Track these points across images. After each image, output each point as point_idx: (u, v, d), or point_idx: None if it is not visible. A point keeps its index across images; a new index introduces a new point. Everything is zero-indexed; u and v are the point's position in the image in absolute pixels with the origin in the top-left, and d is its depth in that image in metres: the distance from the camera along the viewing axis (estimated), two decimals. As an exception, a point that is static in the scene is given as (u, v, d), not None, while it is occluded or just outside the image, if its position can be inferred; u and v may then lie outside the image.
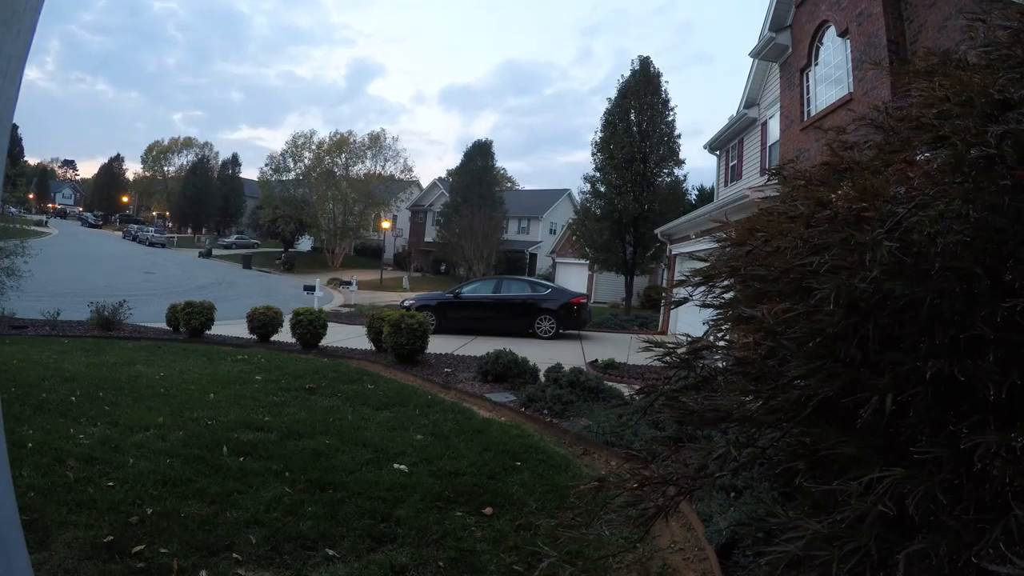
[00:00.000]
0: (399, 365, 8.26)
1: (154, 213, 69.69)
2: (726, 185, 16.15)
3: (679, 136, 20.97)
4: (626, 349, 10.93)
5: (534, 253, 39.18)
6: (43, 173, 77.17)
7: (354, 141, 43.87)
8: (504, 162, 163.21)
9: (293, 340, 9.67)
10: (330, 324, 10.52)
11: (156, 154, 67.13)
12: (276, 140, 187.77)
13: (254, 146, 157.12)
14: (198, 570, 2.68)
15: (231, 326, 11.37)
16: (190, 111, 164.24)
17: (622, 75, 21.84)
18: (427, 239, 44.63)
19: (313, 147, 43.78)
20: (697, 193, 29.07)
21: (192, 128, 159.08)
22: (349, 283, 23.94)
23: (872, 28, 7.68)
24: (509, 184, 59.26)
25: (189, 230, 59.47)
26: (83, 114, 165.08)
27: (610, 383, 6.98)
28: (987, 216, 1.45)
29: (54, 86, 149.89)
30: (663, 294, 14.49)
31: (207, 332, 10.31)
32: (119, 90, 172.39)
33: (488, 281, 15.95)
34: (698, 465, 1.95)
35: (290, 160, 44.27)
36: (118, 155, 76.66)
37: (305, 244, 47.40)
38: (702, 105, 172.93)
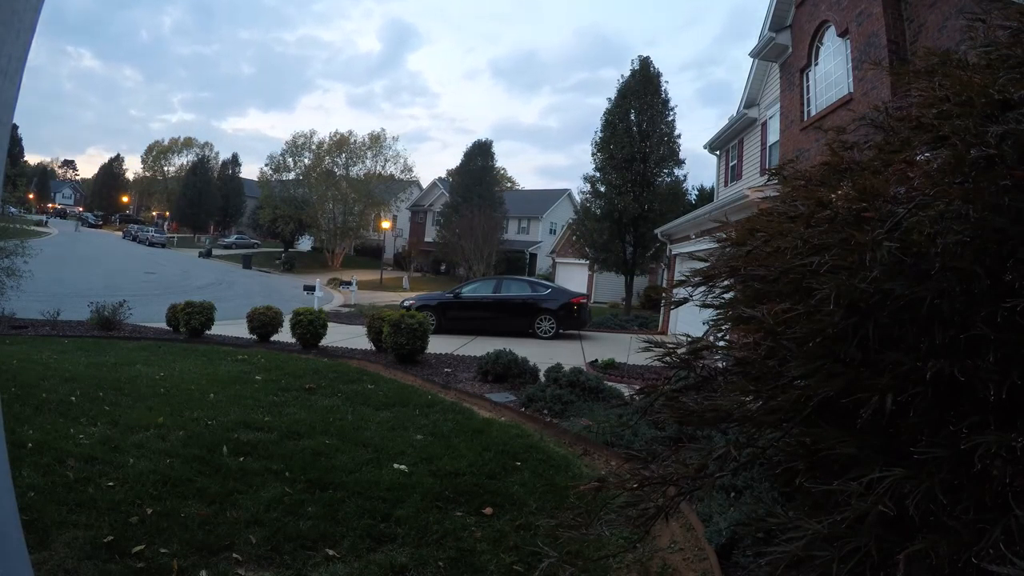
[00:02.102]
0: (399, 365, 8.26)
1: (154, 213, 69.69)
2: (726, 185, 16.15)
3: (679, 136, 21.02)
4: (626, 349, 10.92)
5: (534, 253, 39.16)
6: (43, 173, 77.15)
7: (354, 141, 43.92)
8: (542, 154, 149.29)
9: (293, 340, 9.67)
10: (330, 324, 10.52)
11: (156, 154, 67.27)
12: (290, 125, 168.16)
13: (263, 136, 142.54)
14: (198, 570, 2.68)
15: (231, 326, 11.37)
16: (191, 92, 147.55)
17: (622, 75, 21.88)
18: (427, 239, 44.61)
19: (313, 147, 43.83)
20: (697, 193, 29.09)
21: (193, 112, 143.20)
22: (349, 283, 23.92)
23: (872, 28, 7.68)
24: (509, 184, 59.31)
25: (190, 230, 59.45)
26: (71, 98, 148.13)
27: (610, 383, 6.98)
28: (987, 216, 1.45)
29: (36, 59, 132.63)
30: (663, 294, 14.50)
31: (207, 332, 10.31)
32: (109, 65, 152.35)
33: (488, 281, 15.95)
34: (698, 465, 1.95)
35: (290, 160, 44.31)
36: (118, 155, 76.92)
37: (305, 244, 47.39)
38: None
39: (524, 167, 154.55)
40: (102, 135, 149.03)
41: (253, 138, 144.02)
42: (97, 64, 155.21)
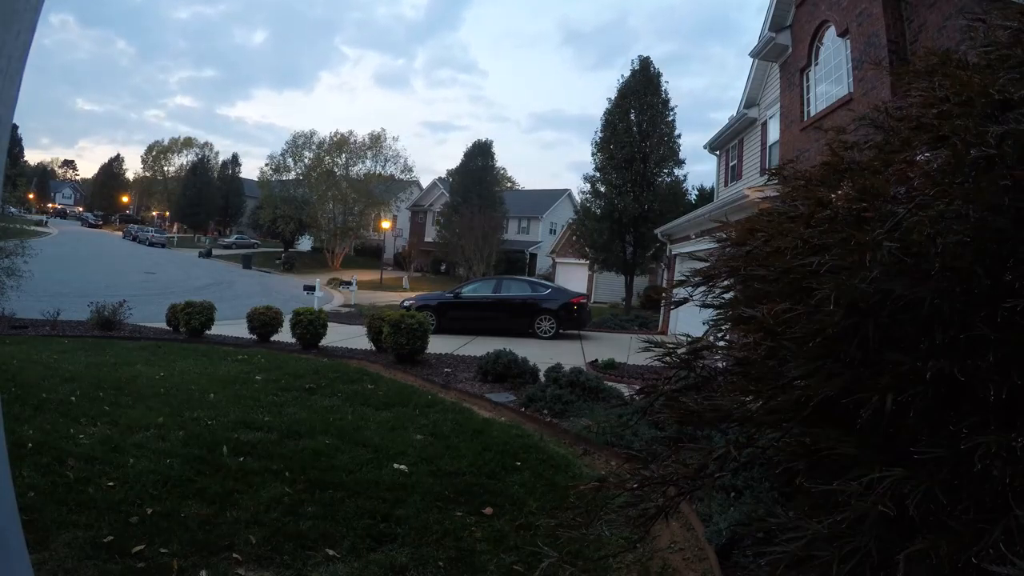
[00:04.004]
0: (399, 365, 8.26)
1: (154, 213, 69.67)
2: (726, 185, 16.15)
3: (679, 136, 21.05)
4: (626, 349, 10.92)
5: (534, 253, 39.16)
6: (43, 173, 77.21)
7: (354, 141, 43.94)
8: (585, 145, 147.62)
9: (293, 340, 9.66)
10: (330, 324, 10.51)
11: (156, 154, 67.25)
12: (304, 111, 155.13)
13: (271, 127, 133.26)
14: (198, 570, 2.68)
15: (231, 326, 11.37)
16: (191, 70, 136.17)
17: (622, 75, 21.95)
18: (427, 239, 44.61)
19: (313, 147, 43.85)
20: (697, 193, 29.09)
21: (194, 96, 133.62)
22: (349, 283, 23.89)
23: (872, 28, 7.68)
24: (509, 184, 59.31)
25: (190, 230, 59.46)
26: (57, 78, 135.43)
27: (610, 383, 6.97)
28: (987, 216, 1.45)
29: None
30: (663, 294, 14.48)
31: (207, 332, 10.30)
32: (96, 34, 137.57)
33: (488, 281, 15.94)
34: (698, 465, 1.95)
35: (290, 160, 44.32)
36: (118, 155, 77.08)
37: (305, 244, 47.38)
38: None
39: (562, 161, 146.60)
40: (96, 124, 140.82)
41: (260, 127, 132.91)
42: (81, 33, 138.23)
